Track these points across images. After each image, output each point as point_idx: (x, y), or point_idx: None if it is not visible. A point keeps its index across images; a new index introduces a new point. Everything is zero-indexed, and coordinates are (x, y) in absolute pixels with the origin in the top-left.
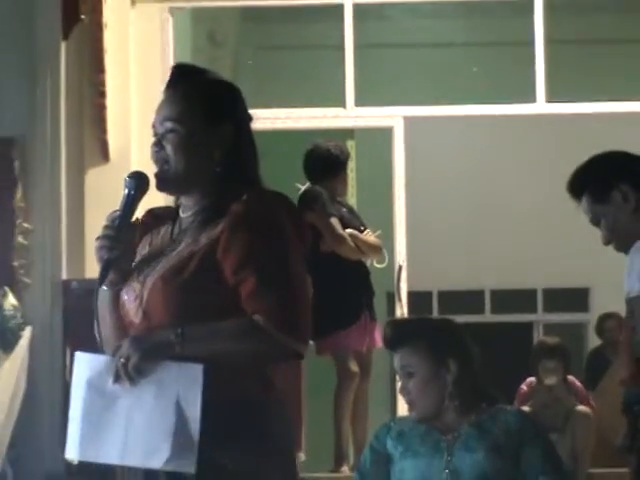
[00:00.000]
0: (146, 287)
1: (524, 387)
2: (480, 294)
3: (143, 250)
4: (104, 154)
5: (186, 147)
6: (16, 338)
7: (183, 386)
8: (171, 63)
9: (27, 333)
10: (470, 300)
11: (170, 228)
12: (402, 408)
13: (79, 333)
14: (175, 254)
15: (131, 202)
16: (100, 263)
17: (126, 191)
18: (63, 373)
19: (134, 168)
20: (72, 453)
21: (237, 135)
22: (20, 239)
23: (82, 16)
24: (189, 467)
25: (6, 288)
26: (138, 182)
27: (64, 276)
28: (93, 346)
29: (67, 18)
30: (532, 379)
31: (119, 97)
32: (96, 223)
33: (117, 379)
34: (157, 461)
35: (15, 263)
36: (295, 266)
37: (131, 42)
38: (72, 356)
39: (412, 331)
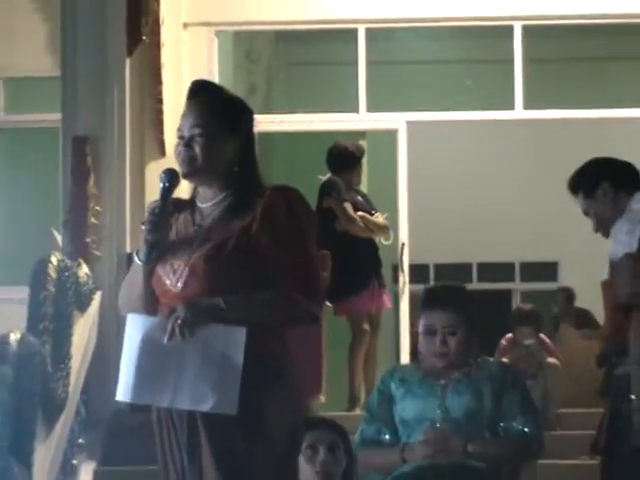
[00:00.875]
0: (188, 265)
1: (504, 342)
2: (468, 266)
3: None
4: (161, 150)
5: (211, 149)
6: (89, 301)
7: (228, 344)
8: (216, 77)
9: (97, 297)
10: (460, 271)
11: (190, 216)
12: (404, 358)
13: None
14: (210, 238)
15: (167, 193)
16: (145, 244)
17: (162, 184)
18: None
19: None
20: (125, 397)
21: (248, 142)
22: (92, 219)
23: (143, 37)
24: (232, 410)
25: (80, 260)
26: (171, 177)
27: (127, 250)
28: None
29: (131, 39)
30: (510, 335)
31: (173, 104)
32: None
33: (171, 336)
34: (204, 405)
35: (88, 239)
36: (312, 248)
37: (183, 59)
38: None
39: (457, 294)
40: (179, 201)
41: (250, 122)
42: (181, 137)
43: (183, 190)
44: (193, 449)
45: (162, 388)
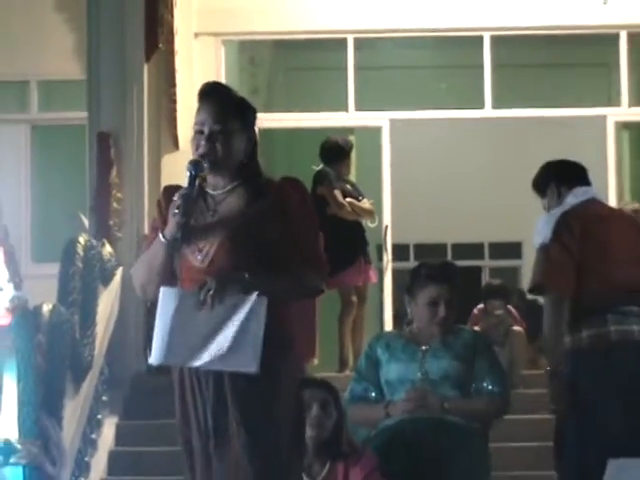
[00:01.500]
0: (214, 245)
1: (475, 312)
2: (444, 246)
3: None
4: (175, 144)
5: (229, 144)
6: (111, 276)
7: (251, 312)
8: (223, 80)
9: (119, 273)
10: (436, 250)
11: (202, 202)
12: (388, 326)
13: None
14: (230, 221)
15: (194, 181)
16: (175, 226)
17: (189, 173)
18: (145, 302)
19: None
20: (159, 360)
21: (254, 138)
22: (115, 205)
23: (160, 45)
24: (254, 369)
25: (104, 240)
26: (197, 166)
27: (145, 231)
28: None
29: (149, 46)
30: (481, 306)
31: (186, 103)
32: None
33: (202, 305)
34: (230, 366)
35: (111, 222)
36: (318, 231)
37: (194, 64)
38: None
39: (454, 271)
40: (179, 188)
41: (255, 120)
42: (200, 132)
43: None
44: (219, 406)
45: (193, 351)
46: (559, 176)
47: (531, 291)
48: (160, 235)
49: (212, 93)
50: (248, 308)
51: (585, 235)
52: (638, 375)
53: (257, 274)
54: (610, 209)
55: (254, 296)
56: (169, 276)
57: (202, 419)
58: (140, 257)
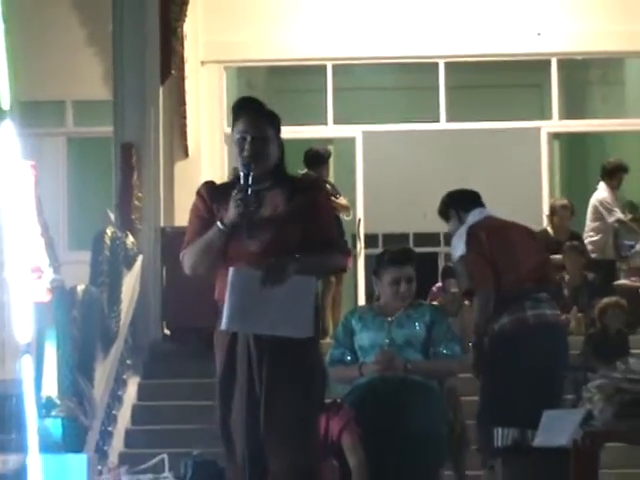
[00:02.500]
0: (266, 233)
1: (434, 289)
2: (407, 235)
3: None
4: (185, 153)
5: (269, 147)
6: (133, 261)
7: (303, 288)
8: (225, 100)
9: (139, 259)
10: (401, 239)
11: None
12: (361, 301)
13: (169, 258)
14: (274, 213)
15: (247, 178)
16: (236, 215)
17: (244, 172)
18: (160, 282)
19: (203, 162)
20: (230, 326)
21: (282, 144)
22: (136, 203)
23: (172, 71)
24: (309, 333)
25: (127, 232)
26: (249, 167)
27: (161, 224)
28: (179, 266)
29: (163, 72)
30: (439, 284)
31: (194, 119)
32: (181, 193)
33: (265, 283)
34: (287, 331)
35: (133, 217)
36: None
37: (201, 87)
38: (167, 272)
39: (412, 255)
40: (221, 183)
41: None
42: (243, 138)
43: None
44: (261, 363)
45: (257, 320)
46: (457, 203)
47: (464, 295)
48: (218, 223)
49: (248, 106)
50: (302, 286)
51: (491, 241)
52: (552, 350)
53: (305, 257)
54: (505, 221)
55: (306, 276)
56: (219, 257)
57: (246, 373)
58: (193, 243)
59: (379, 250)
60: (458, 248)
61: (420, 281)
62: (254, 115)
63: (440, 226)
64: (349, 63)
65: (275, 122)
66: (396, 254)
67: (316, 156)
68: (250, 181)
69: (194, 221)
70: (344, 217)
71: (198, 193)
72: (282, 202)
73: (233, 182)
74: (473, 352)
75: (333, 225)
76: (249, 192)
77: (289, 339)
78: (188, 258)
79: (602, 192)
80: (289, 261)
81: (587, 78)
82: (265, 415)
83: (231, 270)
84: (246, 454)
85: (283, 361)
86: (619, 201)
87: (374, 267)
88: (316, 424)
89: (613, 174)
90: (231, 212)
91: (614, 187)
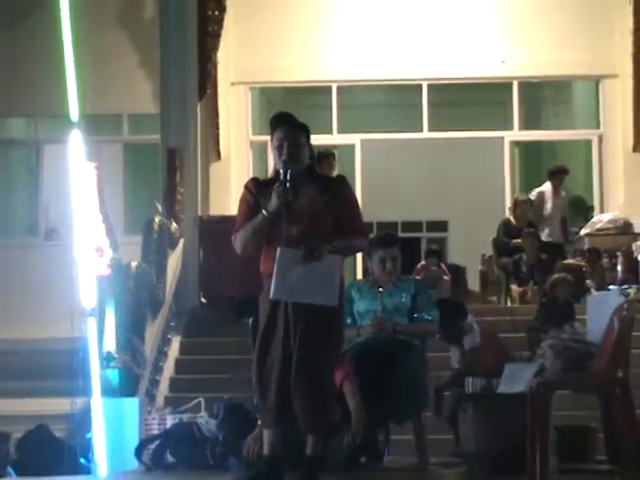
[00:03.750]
0: (304, 220)
1: (418, 267)
2: (396, 224)
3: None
4: (218, 156)
5: (302, 151)
6: (176, 243)
7: (333, 266)
8: (249, 114)
9: (181, 242)
10: (390, 226)
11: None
12: (359, 276)
13: (205, 240)
14: (309, 204)
15: (286, 176)
16: (278, 205)
17: (284, 170)
18: (198, 260)
19: (232, 163)
20: (277, 296)
21: (312, 149)
22: (178, 197)
23: (207, 90)
24: (335, 303)
25: (172, 219)
26: (287, 166)
27: (199, 214)
28: (213, 247)
29: (201, 91)
30: (423, 263)
31: (225, 129)
32: (215, 188)
33: (305, 260)
34: (319, 300)
35: (176, 208)
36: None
37: (231, 103)
38: (203, 252)
39: (396, 239)
40: (264, 179)
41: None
42: (281, 145)
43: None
44: (297, 325)
45: (297, 290)
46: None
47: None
48: (263, 211)
49: (285, 119)
50: (332, 263)
51: None
52: None
53: (336, 240)
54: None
55: (335, 256)
56: (264, 239)
57: (282, 331)
58: (244, 227)
59: (373, 235)
60: None
61: (407, 260)
62: (289, 126)
63: (423, 215)
64: (350, 84)
65: (306, 132)
66: (383, 238)
67: (324, 156)
68: (288, 177)
69: (243, 210)
70: None
71: (246, 187)
72: (315, 195)
73: (274, 179)
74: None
75: (359, 213)
76: (287, 186)
77: (319, 307)
78: (239, 240)
79: (543, 188)
80: (324, 243)
81: (541, 97)
82: (296, 364)
83: (279, 250)
84: (276, 397)
85: (314, 324)
86: (559, 195)
87: (367, 249)
88: (333, 373)
89: (555, 175)
90: (273, 202)
91: (556, 185)
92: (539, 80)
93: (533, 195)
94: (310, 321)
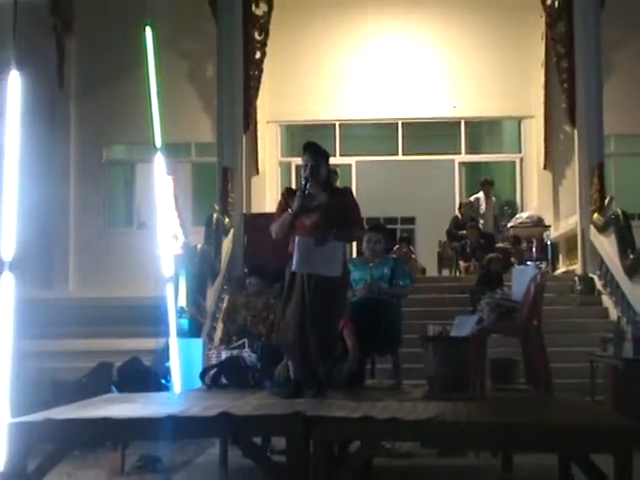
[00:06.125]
0: (316, 216)
1: (395, 249)
2: (379, 218)
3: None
4: (257, 172)
5: (320, 169)
6: (228, 232)
7: (337, 248)
8: (279, 144)
9: (232, 231)
10: (375, 220)
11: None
12: (354, 254)
13: (247, 230)
14: (320, 206)
15: (306, 186)
16: (298, 205)
17: (305, 180)
18: (242, 244)
19: (267, 177)
20: (297, 268)
21: (328, 168)
22: (230, 200)
23: (250, 126)
24: (339, 274)
25: (225, 216)
26: (307, 179)
27: (243, 211)
28: (253, 235)
29: (245, 126)
30: (398, 246)
31: (262, 153)
32: (254, 194)
33: (316, 245)
34: (328, 271)
35: (228, 207)
36: (360, 211)
37: (266, 135)
38: (247, 239)
39: (381, 227)
40: (293, 189)
41: (329, 159)
42: (306, 165)
43: None
44: (311, 291)
45: (311, 265)
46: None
47: None
48: (289, 209)
49: (310, 146)
50: (336, 246)
51: None
52: None
53: (339, 230)
54: None
55: (339, 242)
56: (290, 229)
57: (300, 295)
58: (277, 221)
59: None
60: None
61: (388, 244)
62: (313, 151)
63: (398, 213)
64: (348, 123)
65: (325, 155)
66: (371, 227)
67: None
68: (308, 187)
69: (278, 209)
70: None
71: (282, 194)
72: (326, 199)
73: (300, 189)
74: None
75: (359, 212)
76: (306, 193)
77: (325, 276)
78: (274, 229)
79: (478, 195)
80: (329, 233)
81: (480, 131)
82: (310, 314)
83: (297, 238)
84: (296, 336)
85: (323, 286)
86: (490, 200)
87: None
88: (339, 320)
89: (483, 185)
90: (296, 204)
91: (486, 192)
92: (479, 120)
93: (472, 199)
94: (320, 285)
